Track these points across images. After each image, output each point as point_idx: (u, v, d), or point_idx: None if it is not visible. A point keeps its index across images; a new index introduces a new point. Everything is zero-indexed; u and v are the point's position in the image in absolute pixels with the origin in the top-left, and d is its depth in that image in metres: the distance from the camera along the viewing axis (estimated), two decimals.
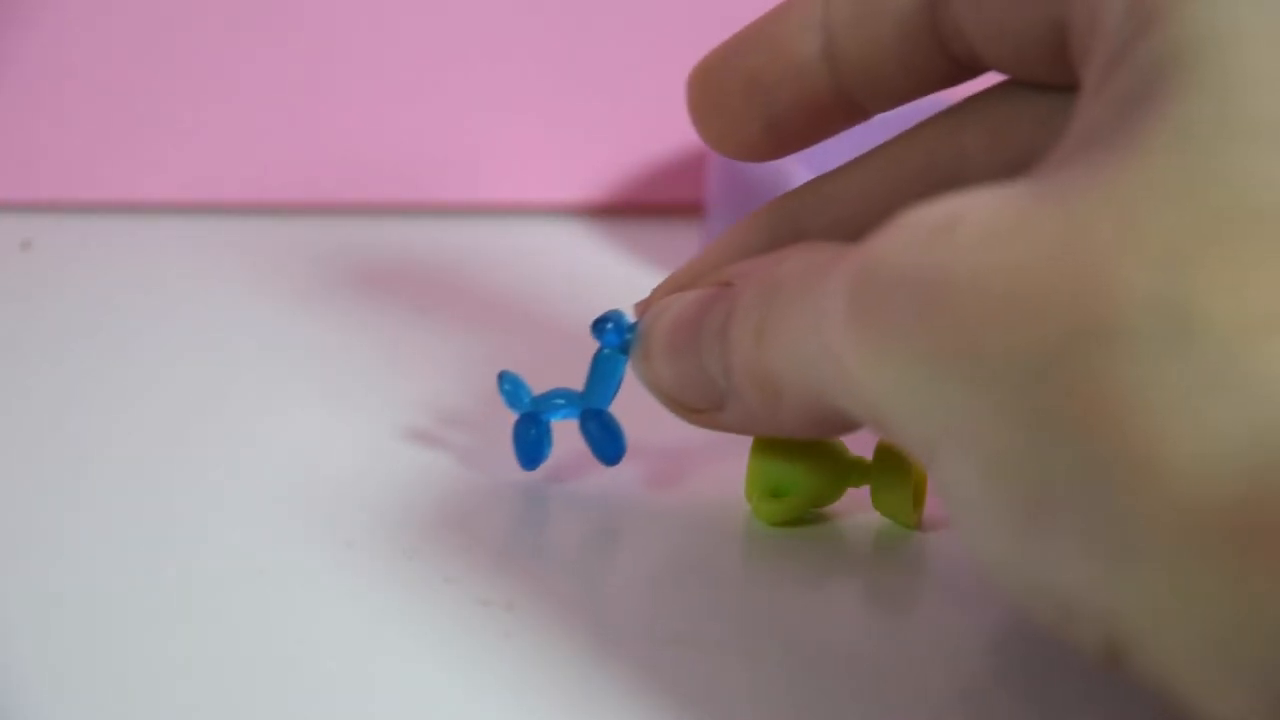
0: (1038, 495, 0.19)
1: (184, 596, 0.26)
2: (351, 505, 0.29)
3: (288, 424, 0.33)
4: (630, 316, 0.28)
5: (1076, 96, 0.22)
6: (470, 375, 0.34)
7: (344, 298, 0.40)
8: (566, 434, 0.30)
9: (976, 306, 0.20)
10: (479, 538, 0.28)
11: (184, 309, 0.39)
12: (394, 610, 0.26)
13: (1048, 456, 0.19)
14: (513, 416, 0.30)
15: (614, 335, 0.28)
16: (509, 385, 0.30)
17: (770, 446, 0.28)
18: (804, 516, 0.29)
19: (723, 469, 0.30)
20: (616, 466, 0.30)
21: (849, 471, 0.29)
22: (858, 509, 0.29)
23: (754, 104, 0.27)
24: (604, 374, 0.29)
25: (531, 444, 0.30)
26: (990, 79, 0.27)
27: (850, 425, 0.25)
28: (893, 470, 0.28)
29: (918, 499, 0.29)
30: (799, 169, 0.39)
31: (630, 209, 0.48)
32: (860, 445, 0.28)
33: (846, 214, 0.27)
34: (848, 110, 0.27)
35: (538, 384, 0.30)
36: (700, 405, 0.27)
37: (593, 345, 0.29)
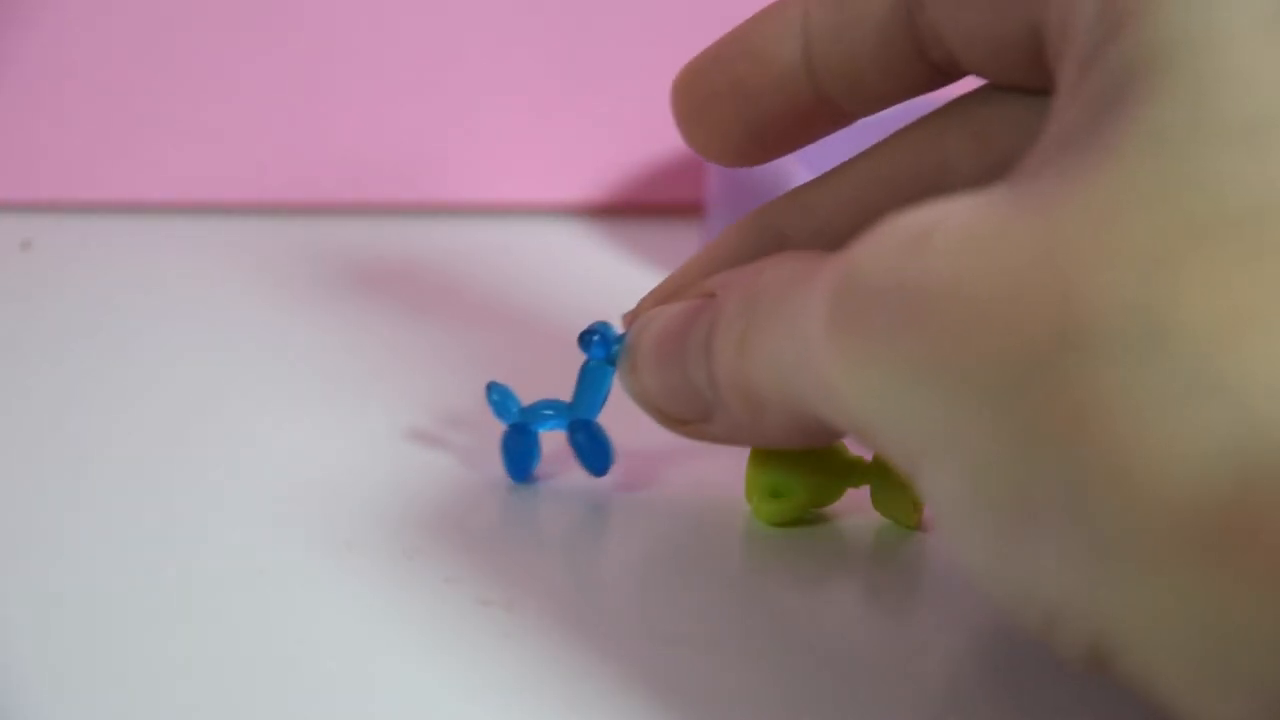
0: (1020, 503, 0.19)
1: (184, 596, 0.26)
2: (351, 505, 0.29)
3: (288, 424, 0.33)
4: (617, 328, 0.28)
5: (1052, 100, 0.22)
6: (470, 375, 0.34)
7: (344, 298, 0.40)
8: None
9: (954, 316, 0.20)
10: (479, 538, 0.28)
11: (184, 309, 0.39)
12: (394, 610, 0.26)
13: (1029, 465, 0.19)
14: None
15: (600, 347, 0.28)
16: (497, 395, 0.30)
17: (770, 447, 0.28)
18: (804, 516, 0.29)
19: (722, 469, 0.30)
20: (616, 467, 0.30)
21: (849, 471, 0.29)
22: (858, 509, 0.29)
23: (737, 111, 0.27)
24: (591, 385, 0.29)
25: (520, 455, 0.30)
26: (971, 82, 0.27)
27: (836, 435, 0.25)
28: (892, 470, 0.28)
29: (918, 499, 0.29)
30: (799, 169, 0.39)
31: (630, 209, 0.48)
32: (860, 445, 0.28)
33: (829, 222, 0.28)
34: (830, 115, 0.27)
35: (537, 385, 0.30)
36: (687, 417, 0.27)
37: None
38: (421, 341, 0.37)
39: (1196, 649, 0.18)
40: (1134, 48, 0.20)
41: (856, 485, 0.29)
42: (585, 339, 0.28)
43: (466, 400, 0.33)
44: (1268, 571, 0.17)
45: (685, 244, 0.45)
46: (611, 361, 0.28)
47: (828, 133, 0.28)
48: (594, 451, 0.29)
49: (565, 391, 0.30)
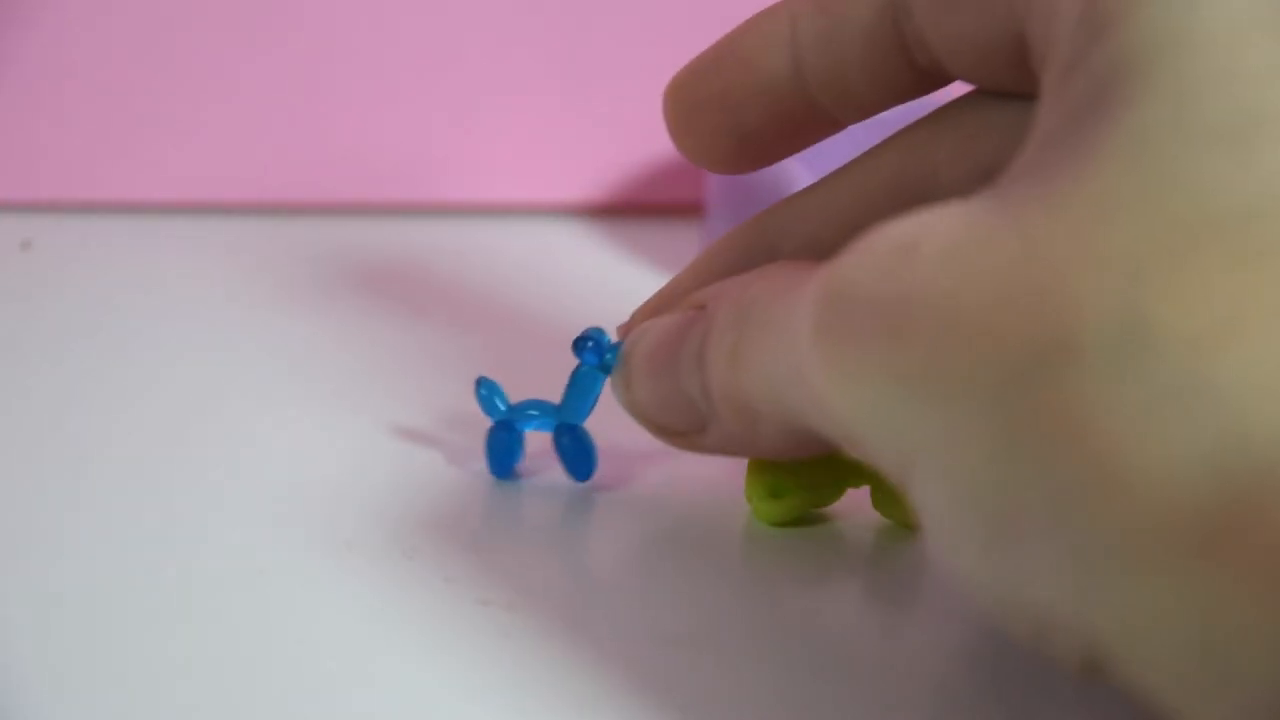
0: (1008, 512, 0.19)
1: (184, 596, 0.26)
2: (351, 505, 0.29)
3: (287, 424, 0.33)
4: (611, 335, 0.28)
5: (1036, 105, 0.22)
6: (470, 376, 0.34)
7: (344, 298, 0.40)
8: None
9: (940, 326, 0.20)
10: (479, 538, 0.28)
11: (184, 309, 0.39)
12: (394, 610, 0.26)
13: (1016, 473, 0.19)
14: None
15: (593, 354, 0.28)
16: (485, 391, 0.30)
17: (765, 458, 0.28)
18: (804, 516, 0.29)
19: (721, 469, 0.30)
20: (616, 467, 0.30)
21: (849, 472, 0.29)
22: (858, 509, 0.29)
23: (726, 119, 0.27)
24: (581, 390, 0.29)
25: (503, 452, 0.30)
26: (961, 87, 0.27)
27: (829, 445, 0.25)
28: None
29: None
30: (799, 169, 0.39)
31: (630, 209, 0.48)
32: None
33: (820, 231, 0.28)
34: (820, 122, 0.27)
35: (535, 385, 0.30)
36: (682, 428, 0.27)
37: None
38: (421, 341, 0.37)
39: (1188, 652, 0.18)
40: (1115, 51, 0.20)
41: (856, 485, 0.29)
42: (579, 344, 0.28)
43: (466, 400, 0.33)
44: (1257, 573, 0.17)
45: (685, 244, 0.45)
46: (604, 368, 0.28)
47: (818, 140, 0.28)
48: (578, 456, 0.30)
49: (560, 393, 0.30)
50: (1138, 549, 0.18)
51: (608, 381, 0.28)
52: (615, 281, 0.43)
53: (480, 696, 0.23)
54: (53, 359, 0.36)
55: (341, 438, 0.32)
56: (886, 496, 0.29)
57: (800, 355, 0.22)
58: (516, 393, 0.30)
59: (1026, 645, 0.20)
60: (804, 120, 0.27)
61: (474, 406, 0.30)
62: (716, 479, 0.30)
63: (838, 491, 0.29)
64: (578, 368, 0.29)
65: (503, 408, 0.30)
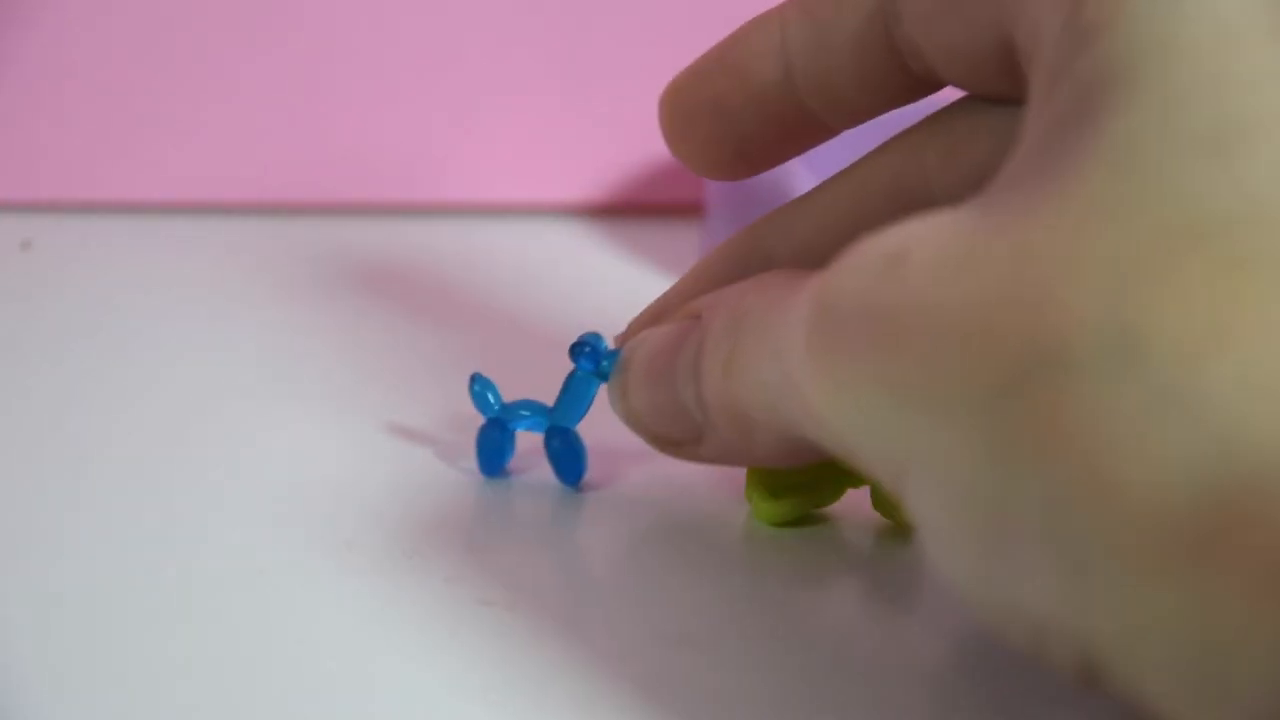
0: (1001, 520, 0.19)
1: (184, 596, 0.26)
2: (351, 505, 0.29)
3: (288, 424, 0.33)
4: (608, 341, 0.28)
5: (1023, 112, 0.22)
6: (470, 375, 0.34)
7: (344, 298, 0.40)
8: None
9: (929, 337, 0.20)
10: (479, 538, 0.28)
11: (184, 309, 0.39)
12: (394, 610, 0.26)
13: (1008, 482, 0.19)
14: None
15: (589, 360, 0.28)
16: (478, 387, 0.30)
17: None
18: (804, 516, 0.29)
19: (721, 469, 0.30)
20: (616, 467, 0.30)
21: (849, 472, 0.29)
22: (858, 509, 0.29)
23: (721, 127, 0.27)
24: (575, 394, 0.29)
25: (493, 449, 0.30)
26: (955, 91, 0.27)
27: (824, 454, 0.25)
28: None
29: None
30: (800, 169, 0.39)
31: (630, 209, 0.48)
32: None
33: (815, 240, 0.28)
34: (814, 129, 0.27)
35: (533, 385, 0.30)
36: (679, 439, 0.27)
37: None
38: (421, 341, 0.37)
39: (1185, 657, 0.18)
40: (1100, 59, 0.20)
41: (856, 486, 0.29)
42: (575, 350, 0.28)
43: (465, 400, 0.33)
44: (1252, 576, 0.17)
45: (685, 244, 0.45)
46: (599, 375, 0.28)
47: (812, 146, 0.28)
48: (568, 460, 0.30)
49: (556, 394, 0.30)
50: (1131, 554, 0.18)
51: (602, 388, 0.28)
52: (615, 282, 0.43)
53: (480, 696, 0.23)
54: (53, 359, 0.36)
55: (341, 438, 0.32)
56: (886, 497, 0.29)
57: (793, 365, 0.22)
58: (516, 392, 0.30)
59: (1024, 654, 0.20)
60: (797, 126, 0.27)
61: (473, 406, 0.30)
62: (715, 479, 0.30)
63: (838, 491, 0.29)
64: (573, 372, 0.29)
65: (495, 405, 0.30)
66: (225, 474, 0.30)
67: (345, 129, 0.46)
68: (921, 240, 0.21)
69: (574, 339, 0.29)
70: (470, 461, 0.30)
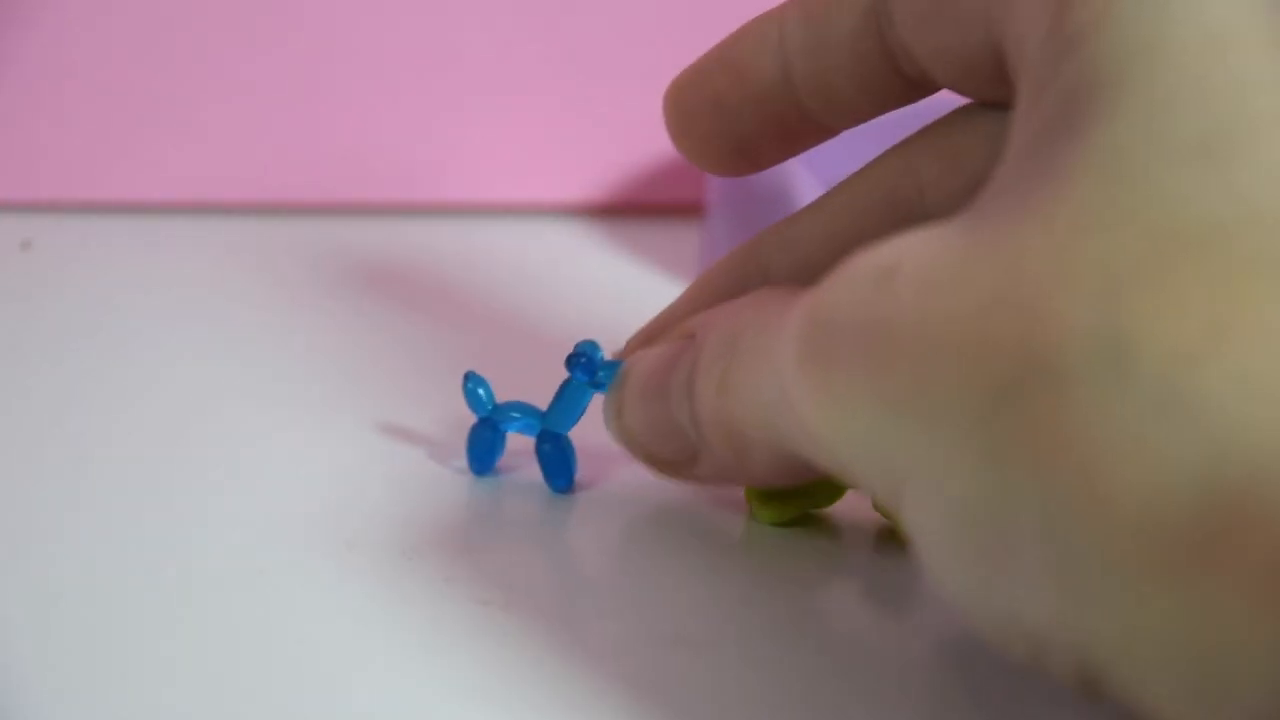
0: (998, 531, 0.19)
1: (184, 596, 0.26)
2: (351, 505, 0.29)
3: (288, 424, 0.33)
4: (605, 351, 0.29)
5: (1011, 120, 0.22)
6: None
7: (344, 298, 0.40)
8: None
9: (922, 351, 0.20)
10: (478, 538, 0.28)
11: (184, 309, 0.39)
12: (393, 610, 0.26)
13: (1004, 493, 0.19)
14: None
15: (585, 371, 0.28)
16: (472, 385, 0.30)
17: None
18: (804, 516, 0.29)
19: None
20: (610, 466, 0.30)
21: None
22: (858, 509, 0.29)
23: (722, 125, 0.27)
24: (569, 403, 0.29)
25: (484, 448, 0.30)
26: (953, 93, 0.27)
27: (820, 472, 0.25)
28: None
29: None
30: (800, 169, 0.39)
31: (630, 209, 0.48)
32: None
33: (810, 256, 0.28)
34: (813, 128, 0.27)
35: (534, 384, 0.30)
36: (674, 459, 0.27)
37: None
38: (421, 341, 0.37)
39: (1184, 663, 0.18)
40: (1086, 64, 0.20)
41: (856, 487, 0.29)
42: (571, 360, 0.28)
43: (464, 401, 0.33)
44: (1250, 581, 0.17)
45: (685, 244, 0.45)
46: (595, 385, 0.28)
47: (814, 145, 0.28)
48: (557, 465, 0.30)
49: (552, 396, 0.30)
50: (1131, 559, 0.18)
51: (596, 400, 0.29)
52: (615, 281, 0.43)
53: (480, 696, 0.23)
54: (53, 359, 0.36)
55: (341, 438, 0.32)
56: None
57: (787, 381, 0.22)
58: (515, 392, 0.30)
59: (1023, 665, 0.20)
60: (797, 126, 0.27)
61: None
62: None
63: (838, 492, 0.29)
64: (568, 380, 0.29)
65: (488, 404, 0.30)
66: (225, 474, 0.30)
67: (345, 129, 0.46)
68: (913, 254, 0.21)
69: (573, 340, 0.29)
70: (462, 460, 0.30)
